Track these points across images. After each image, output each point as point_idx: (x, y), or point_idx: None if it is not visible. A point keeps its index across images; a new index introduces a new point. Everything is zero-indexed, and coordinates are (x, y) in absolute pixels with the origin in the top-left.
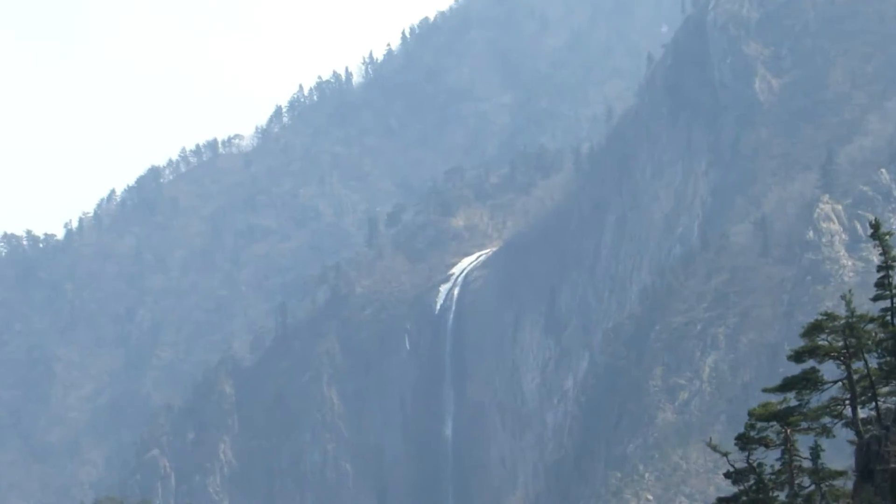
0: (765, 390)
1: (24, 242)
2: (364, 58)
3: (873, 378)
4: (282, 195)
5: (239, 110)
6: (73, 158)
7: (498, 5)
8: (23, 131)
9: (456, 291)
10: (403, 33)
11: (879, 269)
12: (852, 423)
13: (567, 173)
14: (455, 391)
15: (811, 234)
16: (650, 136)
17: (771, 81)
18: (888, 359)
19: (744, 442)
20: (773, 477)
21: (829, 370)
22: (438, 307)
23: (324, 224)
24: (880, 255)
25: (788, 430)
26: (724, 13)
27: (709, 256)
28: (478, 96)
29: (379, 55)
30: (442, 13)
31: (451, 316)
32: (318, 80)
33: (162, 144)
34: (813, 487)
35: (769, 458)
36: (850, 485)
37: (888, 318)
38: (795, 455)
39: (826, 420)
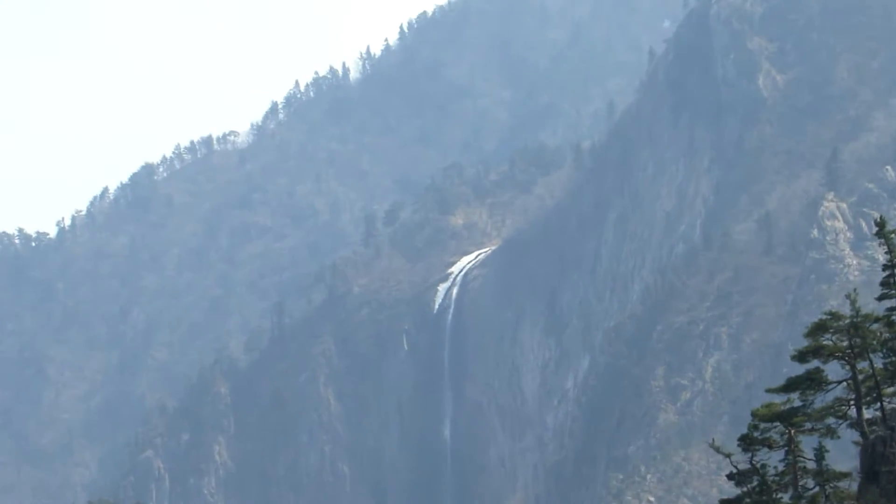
0: (768, 391)
1: (16, 241)
2: (361, 53)
3: (878, 378)
4: (278, 193)
5: (234, 107)
6: (66, 155)
7: None
8: (14, 128)
9: (455, 291)
10: (401, 28)
11: (885, 267)
12: (857, 424)
13: (567, 171)
14: (454, 392)
15: (816, 232)
16: (652, 133)
17: (775, 77)
18: (893, 359)
19: (747, 443)
20: (777, 478)
21: (834, 370)
22: (437, 307)
23: (320, 222)
24: (886, 253)
25: (792, 431)
26: (728, 7)
27: (711, 255)
28: (477, 92)
29: (376, 50)
30: (440, 7)
31: (450, 316)
32: (315, 76)
33: (156, 141)
34: (817, 489)
35: (773, 460)
36: (854, 486)
37: (894, 317)
38: (799, 456)
39: (830, 421)
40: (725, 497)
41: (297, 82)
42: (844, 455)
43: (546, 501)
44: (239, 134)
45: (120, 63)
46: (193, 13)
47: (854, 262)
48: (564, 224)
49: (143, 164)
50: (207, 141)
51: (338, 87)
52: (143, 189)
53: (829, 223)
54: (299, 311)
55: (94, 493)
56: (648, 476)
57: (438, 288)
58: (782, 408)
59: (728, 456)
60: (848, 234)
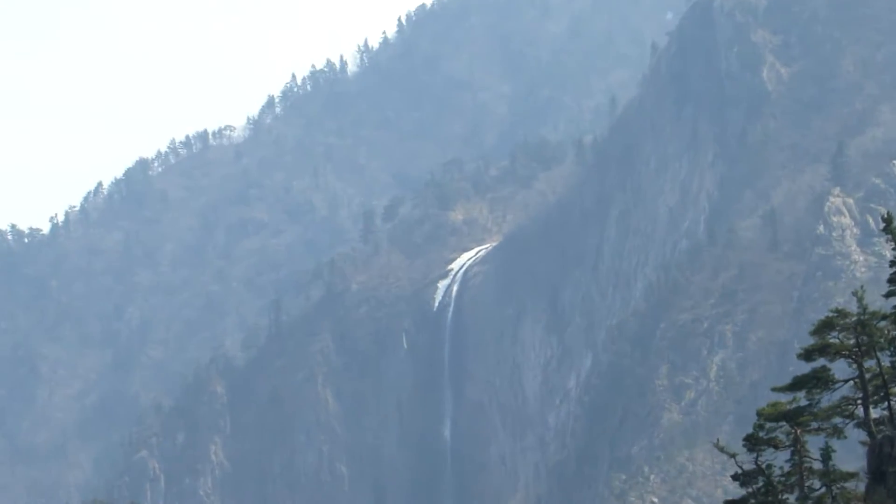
0: (774, 389)
1: (9, 237)
2: (359, 46)
3: (886, 377)
4: (274, 188)
5: (230, 100)
6: (59, 150)
7: None
8: (7, 122)
9: (455, 288)
10: (400, 20)
11: (892, 264)
12: (864, 424)
13: (569, 166)
14: (454, 391)
15: (821, 228)
16: (655, 128)
17: (779, 70)
18: None
19: (752, 443)
20: (783, 479)
21: (841, 369)
22: (437, 304)
23: (318, 218)
24: (893, 249)
25: (798, 431)
26: (731, 0)
27: (716, 252)
28: (477, 85)
29: (374, 43)
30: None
31: (450, 313)
32: (312, 70)
33: (151, 136)
34: (823, 490)
35: (778, 460)
36: (861, 487)
37: None
38: (805, 456)
39: (837, 420)
40: (730, 498)
41: (293, 76)
42: (851, 455)
43: (547, 502)
44: (235, 128)
45: (114, 57)
46: (189, 6)
47: (861, 258)
48: (566, 220)
49: (137, 158)
50: (203, 135)
51: (335, 81)
52: (137, 184)
53: (835, 219)
54: (297, 308)
55: (88, 494)
56: (652, 476)
57: (438, 285)
58: (788, 407)
59: (733, 456)
60: (854, 230)
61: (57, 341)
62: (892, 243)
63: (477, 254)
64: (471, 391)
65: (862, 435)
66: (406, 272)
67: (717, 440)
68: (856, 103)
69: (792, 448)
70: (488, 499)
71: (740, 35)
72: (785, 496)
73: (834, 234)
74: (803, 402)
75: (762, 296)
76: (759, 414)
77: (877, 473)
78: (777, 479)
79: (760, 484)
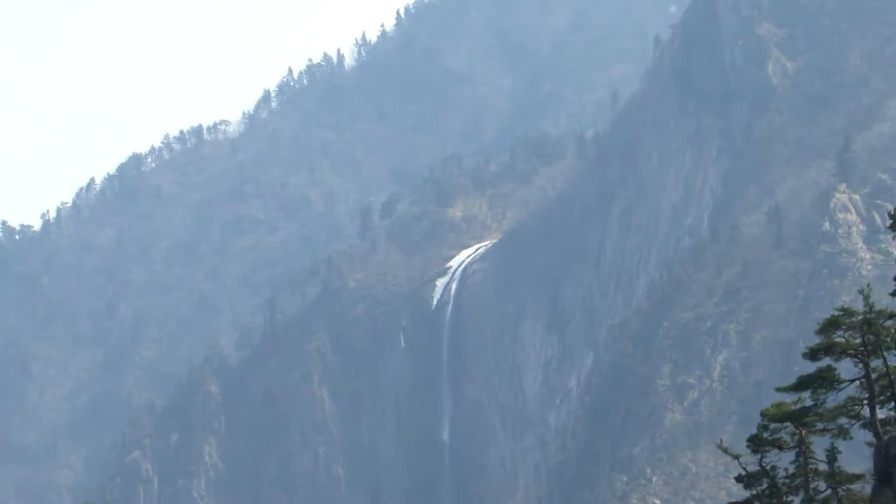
0: (778, 389)
1: (0, 234)
2: (357, 39)
3: (892, 377)
4: (270, 184)
5: (225, 95)
6: (51, 145)
7: None
8: None
9: (454, 286)
10: (398, 13)
11: None
12: (870, 424)
13: (570, 161)
14: (453, 391)
15: (827, 225)
16: (657, 123)
17: (785, 64)
18: None
19: (756, 444)
20: (788, 481)
21: (846, 368)
22: (435, 302)
23: (314, 214)
24: None
25: (803, 432)
26: None
27: (719, 249)
28: (476, 80)
29: (372, 36)
30: None
31: (449, 311)
32: (309, 63)
33: (144, 131)
34: (829, 492)
35: (783, 461)
36: (868, 489)
37: None
38: (811, 458)
39: (843, 421)
40: (734, 500)
41: (290, 69)
42: (857, 456)
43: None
44: (230, 123)
45: (107, 50)
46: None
47: (867, 255)
48: (567, 216)
49: (130, 154)
50: (197, 130)
51: (332, 75)
52: (130, 180)
53: (841, 216)
54: (292, 306)
55: (79, 495)
56: (654, 478)
57: (437, 283)
58: (793, 407)
59: (737, 457)
60: (861, 227)
61: (48, 340)
62: None
63: (476, 251)
64: (470, 391)
65: (868, 436)
66: (404, 270)
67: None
68: (863, 98)
69: (797, 449)
70: (488, 500)
71: (745, 28)
72: (790, 498)
73: (840, 230)
74: (808, 403)
75: (766, 294)
76: (763, 414)
77: (883, 475)
78: (782, 480)
79: (765, 486)
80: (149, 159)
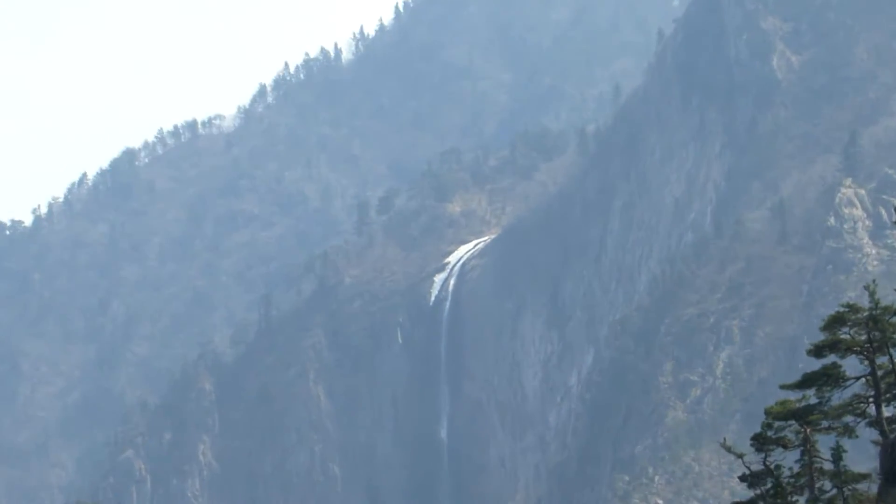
0: (782, 387)
1: None
2: (354, 33)
3: None
4: (266, 179)
5: (220, 89)
6: (42, 140)
7: None
8: None
9: (452, 282)
10: (396, 7)
11: None
12: (876, 423)
13: (571, 156)
14: (451, 388)
15: (832, 220)
16: (660, 117)
17: (790, 58)
18: None
19: (760, 442)
20: (792, 480)
21: (852, 365)
22: (433, 299)
23: (310, 210)
24: None
25: (808, 430)
26: None
27: (723, 244)
28: (476, 74)
29: (370, 30)
30: None
31: (447, 308)
32: (305, 57)
33: (137, 125)
34: (834, 491)
35: (787, 460)
36: (874, 488)
37: None
38: (816, 456)
39: (848, 419)
40: (738, 500)
41: (286, 63)
42: (863, 455)
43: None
44: (225, 117)
45: (100, 43)
46: None
47: (873, 251)
48: (568, 212)
49: (123, 148)
50: (192, 125)
51: (329, 69)
52: (123, 175)
53: (846, 211)
54: (288, 303)
55: (71, 495)
56: (656, 477)
57: (435, 279)
58: (797, 405)
59: (740, 456)
60: (866, 222)
61: (39, 337)
62: None
63: (475, 247)
64: (468, 389)
65: (874, 434)
66: (401, 265)
67: (724, 440)
68: (869, 92)
69: (801, 448)
70: (487, 500)
71: (749, 22)
72: (794, 498)
73: (845, 226)
74: (813, 401)
75: (771, 290)
76: (767, 412)
77: (890, 474)
78: (786, 480)
79: (769, 485)
80: (142, 154)
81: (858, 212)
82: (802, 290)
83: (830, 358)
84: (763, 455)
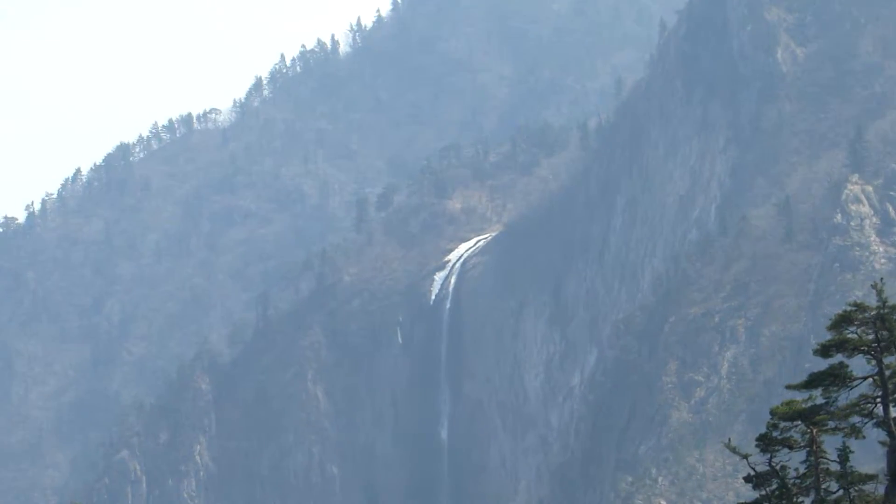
0: (788, 387)
1: None
2: (352, 25)
3: None
4: (262, 175)
5: (215, 82)
6: (36, 135)
7: None
8: None
9: (452, 280)
10: None
11: None
12: (884, 423)
13: (573, 151)
14: (452, 388)
15: (839, 217)
16: (663, 111)
17: (795, 51)
18: None
19: (766, 443)
20: (798, 481)
21: (859, 365)
22: (433, 297)
23: (308, 206)
24: None
25: (814, 431)
26: None
27: (727, 242)
28: (475, 67)
29: (368, 22)
30: None
31: (448, 307)
32: (302, 50)
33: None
34: (841, 493)
35: (793, 461)
36: (881, 490)
37: None
38: (822, 457)
39: (855, 419)
40: (743, 501)
41: (282, 56)
42: (870, 456)
43: None
44: (221, 112)
45: (93, 36)
46: None
47: (880, 249)
48: (570, 208)
49: (118, 144)
50: (187, 119)
51: (326, 62)
52: (118, 171)
53: (853, 207)
54: (286, 301)
55: (65, 496)
56: (660, 478)
57: (435, 277)
58: (803, 405)
59: (745, 457)
60: (874, 220)
61: (33, 336)
62: None
63: (476, 244)
64: (469, 389)
65: (881, 435)
66: (401, 263)
67: (729, 440)
68: (875, 86)
69: (807, 449)
70: (487, 502)
71: (753, 13)
72: (800, 499)
73: (852, 223)
74: (819, 401)
75: (776, 289)
76: (772, 413)
77: None
78: (792, 481)
79: (774, 486)
80: (137, 149)
81: (865, 208)
82: (809, 288)
83: (837, 358)
84: (768, 456)
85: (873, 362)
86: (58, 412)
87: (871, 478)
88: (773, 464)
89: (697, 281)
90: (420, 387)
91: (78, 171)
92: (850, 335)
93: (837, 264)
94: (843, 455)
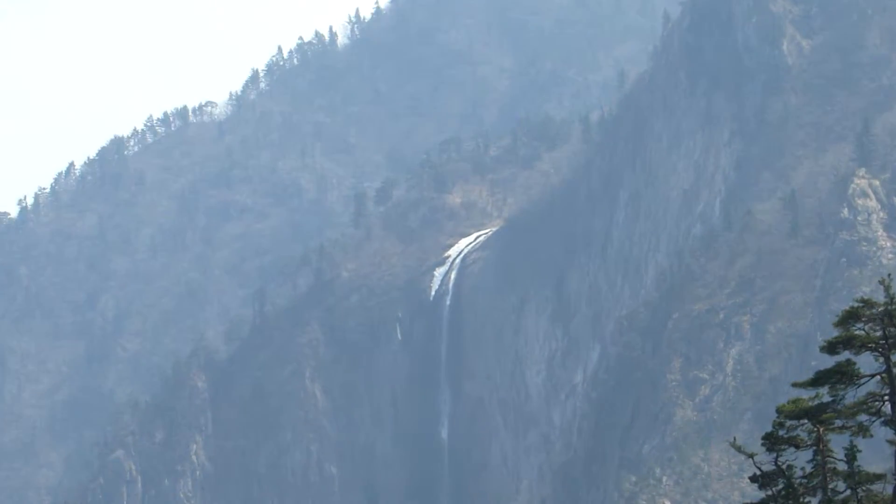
0: (795, 385)
1: None
2: (350, 16)
3: None
4: (259, 169)
5: (211, 75)
6: (28, 129)
7: None
8: None
9: (452, 276)
10: None
11: None
12: (891, 422)
13: (575, 145)
14: (452, 386)
15: (846, 211)
16: (667, 104)
17: (800, 43)
18: None
19: (772, 442)
20: (805, 480)
21: (866, 363)
22: (433, 293)
23: (306, 201)
24: None
25: (821, 429)
26: None
27: (732, 237)
28: (475, 59)
29: (366, 13)
30: None
31: (448, 303)
32: (300, 42)
33: (126, 113)
34: (848, 492)
35: (800, 460)
36: (889, 489)
37: None
38: (829, 456)
39: (863, 418)
40: (748, 501)
41: (279, 48)
42: (878, 455)
43: None
44: (217, 104)
45: (88, 28)
46: None
47: (888, 244)
48: (572, 202)
49: (112, 137)
50: (182, 112)
51: (324, 54)
52: (112, 165)
53: (860, 202)
54: (283, 297)
55: (59, 496)
56: (664, 478)
57: (435, 272)
58: (810, 404)
59: (751, 456)
60: (881, 214)
61: (26, 333)
62: None
63: (476, 239)
64: (470, 386)
65: (889, 433)
66: (400, 259)
67: (734, 439)
68: (882, 78)
69: (814, 448)
70: (488, 501)
71: (759, 5)
72: (807, 499)
73: (859, 218)
74: (826, 399)
75: (782, 284)
76: (778, 411)
77: None
78: (798, 480)
79: (780, 486)
80: (131, 143)
81: (872, 203)
82: (815, 284)
83: (844, 355)
84: (774, 455)
85: (881, 359)
86: (51, 410)
87: (879, 477)
88: (780, 463)
89: (702, 276)
90: (420, 384)
91: (71, 164)
92: (857, 332)
93: (844, 259)
94: (851, 454)
